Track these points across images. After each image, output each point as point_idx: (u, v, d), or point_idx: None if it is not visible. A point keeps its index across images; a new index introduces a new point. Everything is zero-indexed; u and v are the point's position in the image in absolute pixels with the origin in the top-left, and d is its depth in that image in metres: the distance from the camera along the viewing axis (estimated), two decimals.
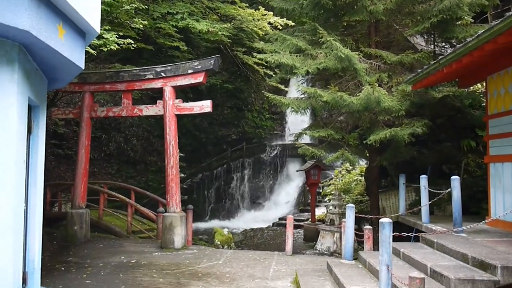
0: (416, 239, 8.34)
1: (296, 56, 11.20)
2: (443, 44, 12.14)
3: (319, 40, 10.88)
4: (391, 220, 5.57)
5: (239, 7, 19.02)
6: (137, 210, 12.24)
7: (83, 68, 5.47)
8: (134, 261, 8.92)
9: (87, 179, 11.29)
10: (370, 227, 8.30)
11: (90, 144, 21.13)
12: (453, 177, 7.91)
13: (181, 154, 16.66)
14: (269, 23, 18.83)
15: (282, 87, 20.46)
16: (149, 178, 22.30)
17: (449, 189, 8.04)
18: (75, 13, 4.90)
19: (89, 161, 21.25)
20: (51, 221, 13.22)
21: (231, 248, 12.42)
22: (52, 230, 12.44)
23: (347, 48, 10.39)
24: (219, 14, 19.74)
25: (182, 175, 16.84)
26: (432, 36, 11.93)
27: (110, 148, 21.88)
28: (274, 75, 14.33)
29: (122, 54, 21.77)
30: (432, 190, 9.17)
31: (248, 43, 21.20)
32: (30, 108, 5.53)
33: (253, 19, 19.37)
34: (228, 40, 18.07)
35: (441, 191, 9.17)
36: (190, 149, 24.56)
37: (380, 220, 5.52)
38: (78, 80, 10.97)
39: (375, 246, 9.10)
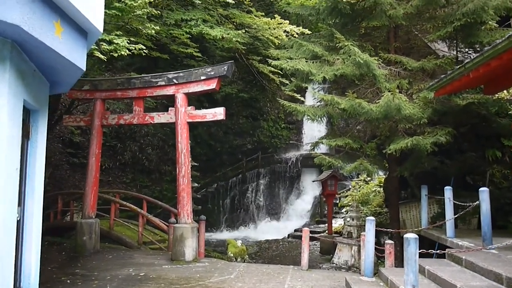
0: (440, 255, 7.72)
1: (313, 62, 10.73)
2: (466, 50, 11.52)
3: (337, 45, 10.41)
4: (416, 236, 5.03)
5: (255, 16, 18.69)
6: (148, 220, 11.82)
7: (84, 69, 5.07)
8: (143, 274, 8.46)
9: (97, 188, 10.90)
10: (392, 241, 7.71)
11: (103, 153, 21.01)
12: (481, 189, 7.31)
13: (195, 164, 16.28)
14: (285, 31, 18.46)
15: (298, 96, 19.97)
16: (164, 187, 21.98)
17: (477, 202, 7.43)
18: (75, 10, 4.52)
19: (104, 170, 21.36)
20: (62, 231, 12.90)
21: (244, 261, 11.89)
22: (62, 240, 12.09)
23: (365, 53, 9.87)
24: (234, 23, 19.42)
25: (196, 184, 16.45)
26: (455, 41, 11.32)
27: (125, 157, 21.71)
28: (289, 83, 13.85)
29: (138, 64, 21.68)
30: (457, 202, 8.58)
31: (263, 52, 20.81)
32: (29, 112, 5.17)
33: (269, 28, 19.03)
34: (243, 48, 17.71)
35: (465, 204, 8.59)
36: (205, 159, 24.21)
37: (405, 236, 5.00)
38: (89, 87, 10.66)
39: (396, 261, 8.53)
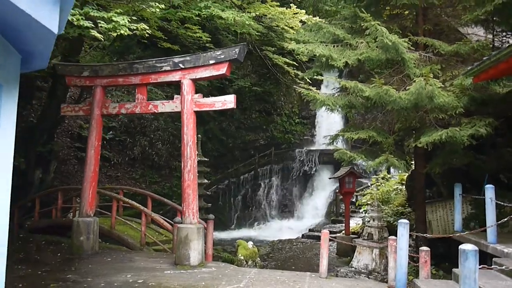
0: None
1: (333, 46, 9.56)
2: (504, 34, 10.21)
3: (361, 26, 9.22)
4: (476, 248, 3.85)
5: (270, 6, 17.52)
6: (152, 219, 10.75)
7: (56, 32, 3.95)
8: (141, 281, 7.37)
9: (96, 184, 9.84)
10: (428, 248, 6.46)
11: (112, 148, 20.32)
12: None
13: (205, 159, 15.21)
14: (301, 21, 17.29)
15: (314, 89, 18.75)
16: (174, 183, 20.95)
17: None
18: None
19: (113, 165, 20.41)
20: (63, 229, 11.87)
21: (256, 264, 10.76)
22: (61, 239, 11.06)
23: (393, 35, 8.66)
24: (249, 13, 18.30)
25: (206, 181, 15.38)
26: (491, 24, 10.02)
27: (135, 152, 20.85)
28: (306, 72, 12.61)
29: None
30: (499, 202, 7.39)
31: (278, 44, 19.69)
32: None
33: (284, 18, 17.87)
34: (257, 33, 16.55)
35: (504, 204, 7.44)
36: (216, 154, 23.22)
37: (462, 248, 3.83)
38: (89, 74, 9.62)
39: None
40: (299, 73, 19.04)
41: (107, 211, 11.63)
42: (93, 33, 7.66)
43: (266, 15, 18.00)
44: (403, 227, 6.13)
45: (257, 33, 16.38)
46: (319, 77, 11.12)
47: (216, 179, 22.93)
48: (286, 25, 17.99)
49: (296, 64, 18.68)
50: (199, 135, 16.05)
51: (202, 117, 23.27)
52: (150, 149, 21.18)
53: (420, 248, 6.43)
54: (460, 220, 8.96)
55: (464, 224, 9.35)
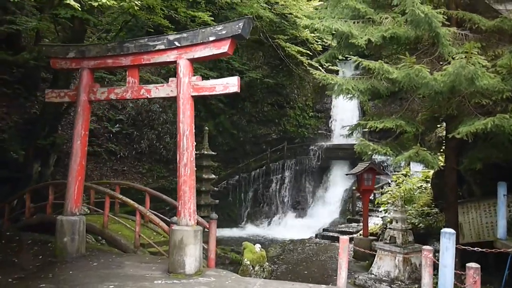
0: None
1: (353, 23, 8.08)
2: None
3: (385, 1, 7.75)
4: None
5: None
6: (147, 218, 9.43)
7: None
8: None
9: (83, 179, 8.53)
10: (478, 265, 4.93)
11: (119, 141, 19.02)
12: None
13: (213, 153, 13.85)
14: (316, 8, 15.85)
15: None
16: None
17: None
18: None
19: (119, 159, 19.18)
20: (51, 227, 10.61)
21: (264, 270, 9.36)
22: (49, 238, 9.73)
23: (426, 5, 7.14)
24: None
25: (214, 176, 14.07)
26: None
27: (142, 145, 19.66)
28: (323, 55, 11.09)
29: None
30: None
31: (291, 32, 18.22)
32: None
33: (297, 4, 16.48)
34: (267, 17, 15.19)
35: None
36: (226, 149, 21.95)
37: None
38: (75, 55, 8.29)
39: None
40: (313, 62, 17.61)
41: (102, 208, 10.35)
42: (68, 2, 6.31)
43: (278, 2, 16.63)
44: (448, 239, 4.65)
45: (268, 18, 14.96)
46: (335, 67, 9.66)
47: (227, 174, 21.64)
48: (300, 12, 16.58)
49: (310, 54, 17.22)
50: (207, 128, 14.74)
51: (212, 110, 21.96)
52: (158, 142, 20.01)
53: (467, 265, 4.92)
54: (504, 225, 7.45)
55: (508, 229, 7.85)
